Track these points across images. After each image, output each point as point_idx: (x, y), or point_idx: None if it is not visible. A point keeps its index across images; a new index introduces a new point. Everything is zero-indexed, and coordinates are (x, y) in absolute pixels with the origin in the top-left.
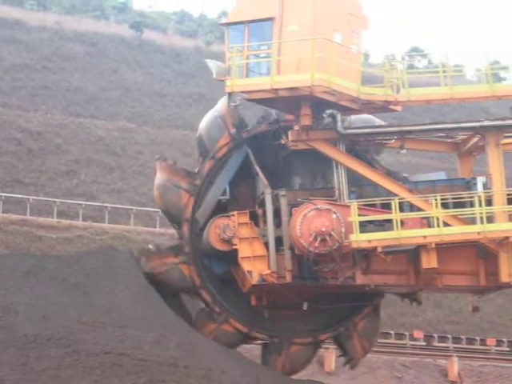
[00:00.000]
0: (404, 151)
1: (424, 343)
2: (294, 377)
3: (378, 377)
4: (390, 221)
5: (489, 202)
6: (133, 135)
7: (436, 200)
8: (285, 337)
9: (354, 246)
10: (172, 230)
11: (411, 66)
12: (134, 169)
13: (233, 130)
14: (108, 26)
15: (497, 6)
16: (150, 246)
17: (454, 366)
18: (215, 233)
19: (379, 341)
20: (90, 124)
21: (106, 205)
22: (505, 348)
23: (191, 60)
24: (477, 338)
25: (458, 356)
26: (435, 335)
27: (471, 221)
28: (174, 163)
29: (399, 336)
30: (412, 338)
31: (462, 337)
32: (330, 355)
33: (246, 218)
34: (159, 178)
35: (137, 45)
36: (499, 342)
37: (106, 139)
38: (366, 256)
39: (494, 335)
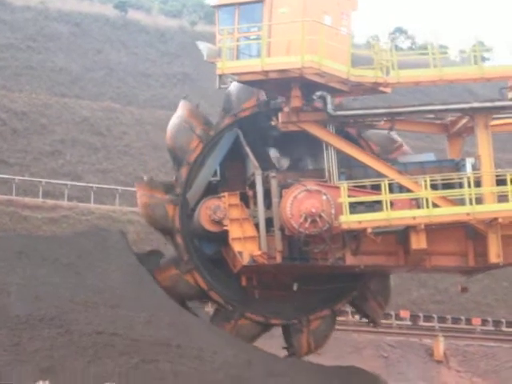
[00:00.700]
0: (394, 132)
1: (410, 323)
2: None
3: (364, 356)
4: (379, 202)
5: (477, 184)
6: (117, 115)
7: (425, 181)
8: (302, 316)
9: (344, 227)
10: None
11: (395, 47)
12: (119, 149)
13: (199, 131)
14: (92, 5)
15: None
16: None
17: (440, 346)
18: (206, 214)
19: (365, 320)
20: (75, 104)
21: (91, 185)
22: (490, 327)
23: (176, 40)
24: (462, 317)
25: (443, 335)
26: (421, 315)
27: (460, 202)
28: (151, 179)
29: (385, 315)
30: (398, 318)
31: (448, 316)
32: None
33: (236, 200)
34: (141, 195)
35: (121, 25)
36: (484, 322)
37: (91, 119)
38: (355, 237)
39: (479, 315)
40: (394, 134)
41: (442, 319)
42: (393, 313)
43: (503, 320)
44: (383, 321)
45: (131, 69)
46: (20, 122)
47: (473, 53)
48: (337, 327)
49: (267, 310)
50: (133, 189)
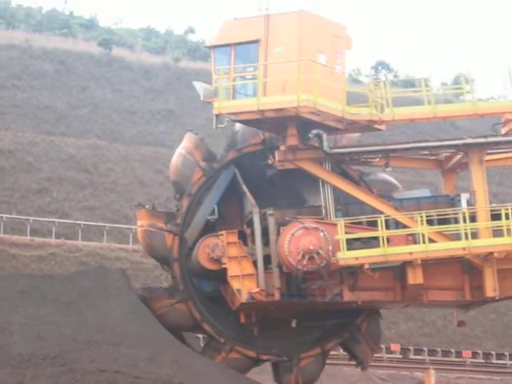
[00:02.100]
0: (389, 169)
1: (400, 356)
2: None
3: None
4: (376, 238)
5: (473, 218)
6: (103, 152)
7: (421, 217)
8: (293, 354)
9: (342, 263)
10: None
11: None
12: (105, 186)
13: (203, 164)
14: (76, 43)
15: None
16: None
17: (431, 379)
18: (204, 252)
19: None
20: (61, 142)
21: (78, 222)
22: (480, 360)
23: (160, 76)
24: (452, 350)
25: (434, 368)
26: (411, 348)
27: (455, 237)
28: (153, 207)
29: None
30: (388, 351)
31: (438, 349)
32: None
33: (234, 238)
34: (141, 223)
35: (105, 62)
36: (474, 354)
37: (77, 156)
38: (353, 273)
39: (467, 347)
40: (391, 179)
41: (432, 352)
42: (383, 346)
43: (493, 352)
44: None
45: (116, 106)
46: (6, 161)
47: (469, 91)
48: (328, 361)
49: (259, 345)
50: (120, 225)
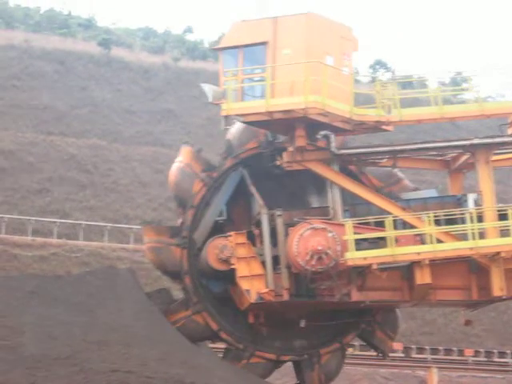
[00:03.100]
0: (397, 170)
1: (403, 355)
2: None
3: None
4: (383, 238)
5: (480, 219)
6: (104, 152)
7: (429, 217)
8: (313, 351)
9: (350, 263)
10: None
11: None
12: (106, 186)
13: (202, 175)
14: (75, 43)
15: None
16: None
17: (434, 377)
18: (213, 253)
19: (358, 353)
20: (61, 142)
21: (80, 222)
22: (482, 358)
23: (159, 76)
24: (454, 348)
25: (437, 367)
26: (413, 347)
27: (462, 236)
28: (158, 225)
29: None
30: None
31: (440, 348)
32: None
33: (243, 239)
34: (148, 241)
35: (105, 62)
36: (476, 353)
37: (78, 157)
38: (361, 273)
39: (468, 345)
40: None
41: (434, 351)
42: None
43: (495, 350)
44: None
45: (116, 105)
46: (7, 161)
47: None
48: None
49: (277, 346)
50: (121, 225)
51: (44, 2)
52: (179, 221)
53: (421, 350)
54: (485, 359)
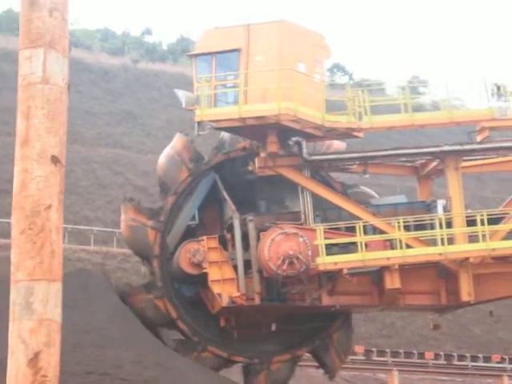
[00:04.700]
0: (367, 176)
1: (363, 357)
2: None
3: None
4: (353, 243)
5: (449, 224)
6: None
7: (398, 223)
8: (264, 357)
9: (321, 268)
10: (106, 248)
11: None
12: (66, 187)
13: (191, 165)
14: None
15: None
16: None
17: (394, 380)
18: (186, 257)
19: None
20: None
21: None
22: (442, 361)
23: (119, 78)
24: (414, 351)
25: (397, 370)
26: (374, 349)
27: (431, 242)
28: (137, 203)
29: None
30: (351, 353)
31: (400, 351)
32: None
33: (215, 243)
34: (125, 218)
35: None
36: (436, 356)
37: None
38: (331, 278)
39: (426, 348)
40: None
41: (394, 354)
42: None
43: (454, 354)
44: None
45: (76, 107)
46: None
47: (445, 99)
48: None
49: (231, 347)
50: (81, 227)
51: (2, 2)
52: (159, 205)
53: (381, 353)
54: (444, 362)
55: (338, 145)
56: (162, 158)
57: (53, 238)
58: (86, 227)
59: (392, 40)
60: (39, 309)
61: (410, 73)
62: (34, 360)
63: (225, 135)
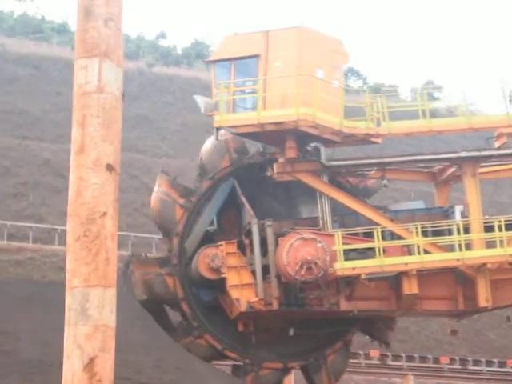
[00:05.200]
0: (385, 181)
1: (378, 362)
2: None
3: None
4: (371, 248)
5: (466, 230)
6: None
7: (417, 228)
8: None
9: (339, 273)
10: (120, 251)
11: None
12: None
13: (181, 201)
14: (50, 48)
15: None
16: None
17: None
18: (204, 262)
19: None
20: (37, 146)
21: (56, 227)
22: (457, 366)
23: (134, 82)
24: (429, 356)
25: (413, 374)
26: (389, 354)
27: (449, 248)
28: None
29: (354, 354)
30: (366, 357)
31: (416, 355)
32: None
33: (233, 248)
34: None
35: None
36: (451, 361)
37: (53, 161)
38: (349, 283)
39: (440, 353)
40: None
41: (410, 358)
42: (361, 352)
43: (469, 358)
44: (353, 360)
45: None
46: None
47: (463, 104)
48: None
49: (256, 354)
50: None
51: (17, 6)
52: (167, 249)
53: (396, 358)
54: (459, 367)
55: None
56: (154, 204)
57: (108, 245)
58: None
59: (405, 44)
60: (95, 314)
61: (423, 77)
62: (89, 365)
63: (203, 160)
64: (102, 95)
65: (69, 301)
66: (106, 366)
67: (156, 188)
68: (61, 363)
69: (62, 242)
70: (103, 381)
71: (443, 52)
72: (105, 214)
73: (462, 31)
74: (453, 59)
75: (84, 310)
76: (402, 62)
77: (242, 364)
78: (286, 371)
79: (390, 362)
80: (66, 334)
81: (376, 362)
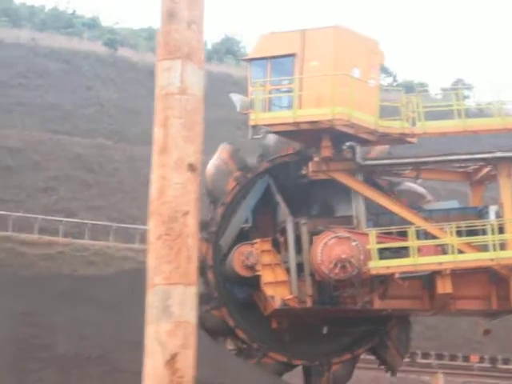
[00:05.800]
0: (420, 181)
1: (408, 359)
2: None
3: None
4: (405, 247)
5: (500, 230)
6: (109, 152)
7: (451, 228)
8: (324, 359)
9: (373, 272)
10: None
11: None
12: (111, 185)
13: (237, 174)
14: (81, 42)
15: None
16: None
17: (439, 382)
18: (239, 259)
19: (364, 357)
20: (67, 141)
21: (86, 221)
22: (486, 364)
23: None
24: (459, 354)
25: (442, 372)
26: (418, 352)
27: (483, 247)
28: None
29: None
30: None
31: (445, 353)
32: None
33: (268, 246)
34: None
35: (111, 62)
36: (481, 359)
37: (84, 156)
38: (383, 282)
39: (469, 351)
40: (419, 188)
41: (439, 356)
42: None
43: (499, 357)
44: None
45: (121, 105)
46: (13, 159)
47: (498, 105)
48: None
49: (291, 350)
50: (127, 225)
51: (48, 0)
52: (209, 216)
53: (426, 356)
54: (489, 365)
55: (381, 147)
56: (209, 170)
57: (189, 244)
58: (131, 225)
59: (434, 41)
60: (176, 312)
61: (452, 74)
62: (170, 361)
63: (270, 141)
64: (185, 97)
65: (150, 298)
66: (188, 362)
67: (216, 155)
68: (97, 357)
69: (92, 236)
70: (185, 377)
71: (471, 49)
72: (187, 213)
73: (488, 28)
74: (481, 57)
75: (166, 308)
76: (430, 59)
77: (246, 347)
78: (289, 366)
79: (419, 360)
80: (146, 331)
81: (405, 359)
